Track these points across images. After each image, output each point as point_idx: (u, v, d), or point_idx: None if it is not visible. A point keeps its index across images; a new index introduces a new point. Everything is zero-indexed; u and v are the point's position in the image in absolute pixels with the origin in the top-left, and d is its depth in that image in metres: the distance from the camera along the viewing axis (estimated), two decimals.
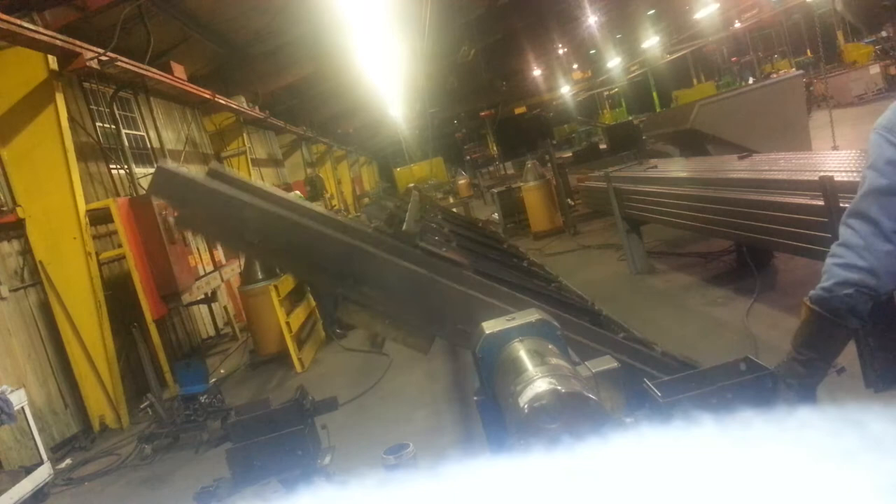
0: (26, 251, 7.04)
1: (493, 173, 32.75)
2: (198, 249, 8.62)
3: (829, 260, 1.72)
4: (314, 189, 17.71)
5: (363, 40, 11.60)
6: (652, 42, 33.48)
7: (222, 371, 8.71)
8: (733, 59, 37.12)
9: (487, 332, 1.40)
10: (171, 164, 2.59)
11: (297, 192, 9.49)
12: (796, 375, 1.72)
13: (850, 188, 3.42)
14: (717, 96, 10.50)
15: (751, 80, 27.53)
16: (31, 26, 6.08)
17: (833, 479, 0.51)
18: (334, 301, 2.73)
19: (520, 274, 4.48)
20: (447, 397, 5.39)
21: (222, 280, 9.41)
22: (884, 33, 23.50)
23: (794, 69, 21.60)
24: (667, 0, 27.45)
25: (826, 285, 1.69)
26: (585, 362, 1.41)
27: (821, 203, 3.53)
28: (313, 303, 8.71)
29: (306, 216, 2.56)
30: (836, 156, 5.18)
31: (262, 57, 13.51)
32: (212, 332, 11.06)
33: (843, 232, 1.71)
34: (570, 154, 20.63)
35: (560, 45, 32.30)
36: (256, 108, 14.30)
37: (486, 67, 26.23)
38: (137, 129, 10.59)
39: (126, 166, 9.00)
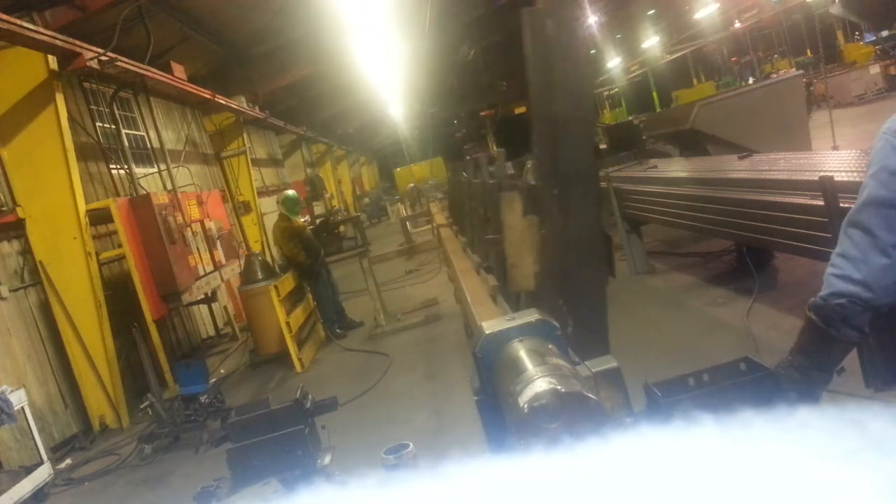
0: (26, 251, 7.04)
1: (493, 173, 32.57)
2: (198, 249, 8.61)
3: (827, 269, 1.72)
4: (314, 189, 17.60)
5: (363, 40, 11.60)
6: (652, 42, 33.49)
7: (222, 371, 8.71)
8: (733, 59, 37.04)
9: (487, 332, 1.40)
10: None
11: (295, 191, 9.48)
12: (792, 381, 1.71)
13: (850, 188, 3.43)
14: (717, 96, 10.51)
15: (751, 80, 27.51)
16: (31, 26, 6.08)
17: (833, 479, 0.51)
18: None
19: None
20: (447, 397, 5.39)
21: (222, 280, 9.40)
22: (884, 32, 23.44)
23: (794, 69, 21.59)
24: (667, 0, 27.44)
25: (822, 294, 1.69)
26: (585, 362, 1.41)
27: (821, 203, 3.54)
28: (313, 303, 8.71)
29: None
30: (836, 156, 5.19)
31: (261, 57, 13.51)
32: (212, 332, 11.06)
33: (842, 241, 1.70)
34: None
35: None
36: (256, 108, 14.29)
37: (486, 67, 26.20)
38: (137, 129, 10.59)
39: (126, 166, 8.99)
